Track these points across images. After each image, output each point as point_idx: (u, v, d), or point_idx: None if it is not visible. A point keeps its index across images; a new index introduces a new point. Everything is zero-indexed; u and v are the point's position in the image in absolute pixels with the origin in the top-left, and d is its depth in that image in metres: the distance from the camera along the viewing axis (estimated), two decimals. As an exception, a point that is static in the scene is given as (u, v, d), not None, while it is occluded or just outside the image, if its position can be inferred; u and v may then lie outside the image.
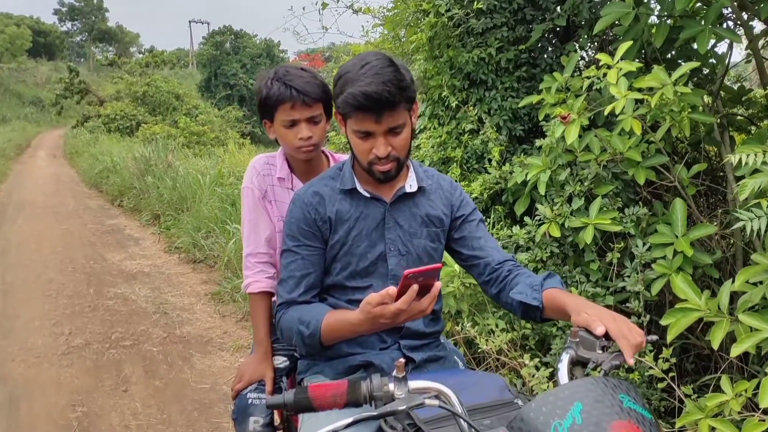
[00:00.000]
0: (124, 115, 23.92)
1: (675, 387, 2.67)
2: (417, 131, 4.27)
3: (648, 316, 2.98)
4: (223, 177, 9.57)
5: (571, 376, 1.28)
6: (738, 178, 3.38)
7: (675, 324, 2.55)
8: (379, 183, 1.74)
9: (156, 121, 23.00)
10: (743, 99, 4.10)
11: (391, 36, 4.73)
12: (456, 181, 3.62)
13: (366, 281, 1.76)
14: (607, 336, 1.33)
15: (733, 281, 2.52)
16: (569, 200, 3.26)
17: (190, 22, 56.69)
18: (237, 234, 6.46)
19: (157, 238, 8.88)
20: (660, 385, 2.72)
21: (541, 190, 3.28)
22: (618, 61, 3.02)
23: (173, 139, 17.13)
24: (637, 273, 3.04)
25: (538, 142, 3.41)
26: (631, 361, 1.27)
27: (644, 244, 3.03)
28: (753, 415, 2.29)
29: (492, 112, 3.89)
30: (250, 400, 2.02)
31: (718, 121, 3.41)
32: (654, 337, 1.39)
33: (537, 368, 2.94)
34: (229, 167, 10.54)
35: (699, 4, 3.48)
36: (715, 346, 2.44)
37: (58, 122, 35.43)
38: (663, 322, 2.69)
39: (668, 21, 3.40)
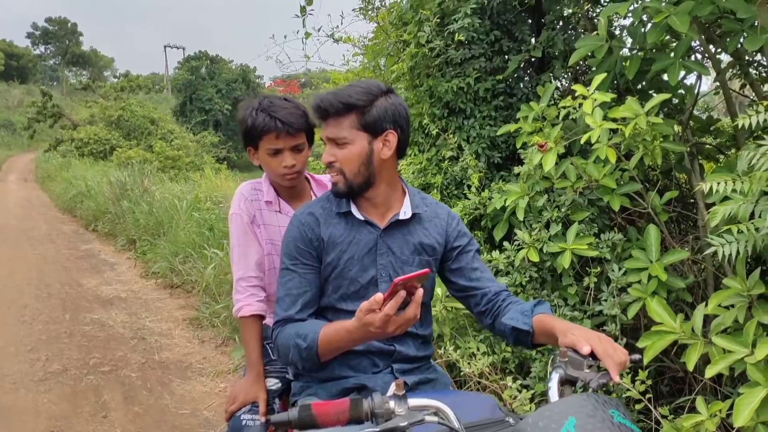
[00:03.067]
0: (97, 140, 23.77)
1: (651, 408, 2.75)
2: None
3: (624, 339, 3.06)
4: (200, 202, 9.57)
5: (561, 394, 1.34)
6: (708, 205, 3.51)
7: (651, 346, 2.63)
8: (373, 207, 1.82)
9: (130, 146, 22.88)
10: (711, 128, 4.26)
11: (372, 65, 4.83)
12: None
13: (357, 304, 1.78)
14: (593, 356, 1.40)
15: (707, 305, 2.62)
16: (547, 226, 3.35)
17: (165, 47, 56.77)
18: (216, 259, 6.46)
19: (132, 263, 8.82)
20: (638, 407, 2.79)
21: (520, 215, 3.36)
22: (593, 92, 3.13)
23: (149, 164, 17.05)
24: (614, 297, 3.13)
25: (516, 169, 3.50)
26: (617, 379, 1.35)
27: (620, 268, 3.12)
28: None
29: (471, 140, 3.99)
30: (244, 422, 2.04)
31: (688, 149, 3.54)
32: (637, 356, 1.46)
33: (519, 390, 3.00)
34: (206, 192, 10.54)
35: (668, 38, 3.63)
36: (690, 367, 2.52)
37: (30, 146, 35.07)
38: (639, 344, 2.77)
39: (640, 53, 3.53)
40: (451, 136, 3.78)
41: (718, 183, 2.58)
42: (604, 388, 1.35)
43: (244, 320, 2.11)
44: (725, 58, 3.87)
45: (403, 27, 4.25)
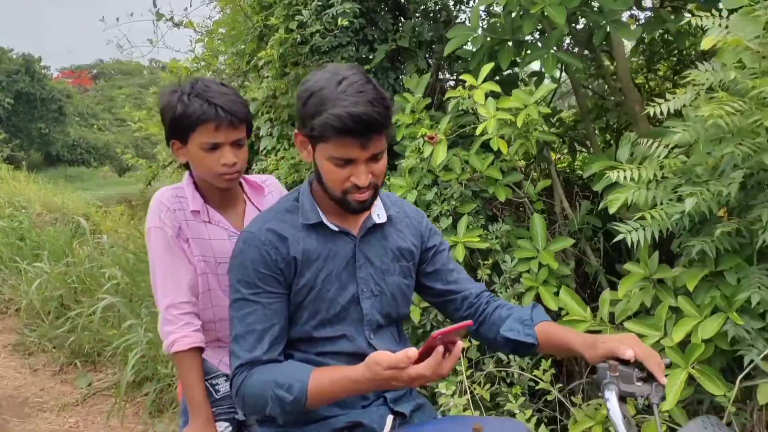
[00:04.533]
0: None
1: (563, 399, 2.77)
2: (264, 152, 4.05)
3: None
4: (0, 208, 8.40)
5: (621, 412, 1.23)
6: (585, 193, 3.66)
7: None
8: (351, 214, 1.56)
9: None
10: (555, 119, 4.46)
11: (232, 51, 4.44)
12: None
13: (338, 329, 1.56)
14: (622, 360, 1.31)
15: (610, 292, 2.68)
16: (437, 219, 3.26)
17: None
18: (40, 274, 5.64)
19: None
20: (549, 398, 2.79)
21: (409, 210, 3.25)
22: (481, 83, 3.09)
23: None
24: (507, 288, 3.13)
25: (404, 163, 3.37)
26: (665, 381, 1.29)
27: (512, 259, 3.12)
28: (647, 418, 2.43)
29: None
30: None
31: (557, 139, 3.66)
32: (668, 360, 1.38)
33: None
34: (6, 197, 9.30)
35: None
36: None
37: None
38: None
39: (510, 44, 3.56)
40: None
41: (617, 172, 2.61)
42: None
43: (181, 355, 1.76)
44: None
45: (262, 11, 3.94)
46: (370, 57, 3.95)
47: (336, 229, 1.57)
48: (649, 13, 4.46)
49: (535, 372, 2.80)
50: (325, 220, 1.56)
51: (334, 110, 1.35)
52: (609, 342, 1.38)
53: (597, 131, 4.59)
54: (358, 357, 1.56)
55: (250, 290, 1.49)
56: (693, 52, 4.66)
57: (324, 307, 1.55)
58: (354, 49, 3.87)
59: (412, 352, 1.21)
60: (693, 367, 2.30)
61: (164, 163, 5.50)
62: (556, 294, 2.99)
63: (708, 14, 2.24)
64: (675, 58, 4.99)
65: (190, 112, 1.70)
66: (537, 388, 2.83)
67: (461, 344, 1.25)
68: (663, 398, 1.27)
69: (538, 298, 2.97)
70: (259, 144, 4.23)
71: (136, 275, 5.05)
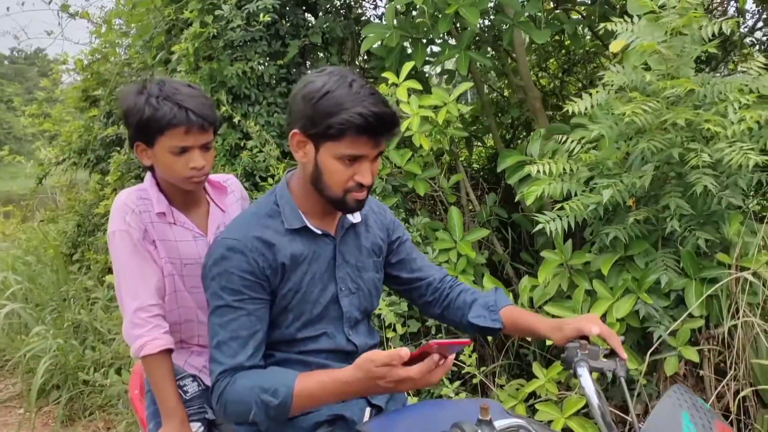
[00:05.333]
0: None
1: (488, 383, 2.92)
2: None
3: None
4: None
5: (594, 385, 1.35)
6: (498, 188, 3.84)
7: None
8: (345, 213, 1.58)
9: None
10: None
11: (139, 45, 4.27)
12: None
13: (319, 328, 1.57)
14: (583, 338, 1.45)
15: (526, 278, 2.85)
16: (359, 214, 3.33)
17: None
18: None
19: None
20: (475, 381, 2.94)
21: (331, 205, 3.30)
22: (403, 80, 3.18)
23: None
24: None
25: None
26: (625, 356, 1.42)
27: (433, 250, 3.24)
28: (568, 394, 2.62)
29: (260, 128, 3.78)
30: None
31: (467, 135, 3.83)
32: (623, 338, 1.51)
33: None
34: None
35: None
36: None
37: None
38: (475, 321, 2.91)
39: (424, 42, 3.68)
40: (252, 123, 3.52)
41: (536, 166, 2.77)
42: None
43: (151, 359, 1.70)
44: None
45: (172, 3, 3.84)
46: (283, 52, 3.95)
47: (319, 232, 1.57)
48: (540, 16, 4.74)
49: (461, 357, 2.94)
50: (308, 224, 1.56)
51: (357, 109, 1.37)
52: (574, 323, 1.51)
53: (497, 127, 4.82)
54: (337, 353, 1.61)
55: (234, 297, 1.47)
56: (580, 52, 5.00)
57: (308, 309, 1.56)
58: (267, 44, 3.86)
59: (404, 351, 1.21)
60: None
61: (57, 161, 5.22)
62: (475, 282, 3.14)
63: (619, 20, 2.45)
64: (564, 57, 5.32)
65: (159, 116, 1.64)
66: (462, 372, 2.96)
67: (453, 358, 1.27)
68: (627, 371, 1.41)
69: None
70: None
71: (37, 279, 4.77)
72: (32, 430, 3.56)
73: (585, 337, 1.49)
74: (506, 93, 5.28)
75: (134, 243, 1.73)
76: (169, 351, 1.74)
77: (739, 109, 2.24)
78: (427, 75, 4.48)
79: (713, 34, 2.30)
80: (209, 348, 1.48)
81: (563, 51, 5.23)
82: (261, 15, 3.37)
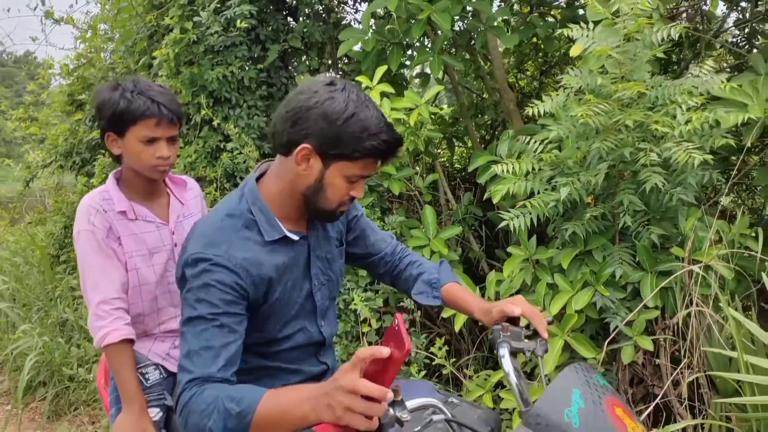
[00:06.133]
0: None
1: (456, 372, 3.04)
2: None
3: (419, 312, 3.31)
4: None
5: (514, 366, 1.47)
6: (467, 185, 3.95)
7: (458, 317, 2.92)
8: (327, 222, 1.67)
9: None
10: (436, 116, 4.77)
11: (122, 50, 4.37)
12: (215, 203, 3.57)
13: (295, 325, 1.64)
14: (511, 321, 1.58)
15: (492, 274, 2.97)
16: (336, 213, 3.44)
17: None
18: None
19: None
20: (445, 372, 3.06)
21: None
22: (376, 84, 3.30)
23: None
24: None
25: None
26: (546, 335, 1.52)
27: (408, 247, 3.36)
28: (532, 382, 2.74)
29: (241, 131, 3.89)
30: None
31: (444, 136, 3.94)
32: (550, 318, 1.64)
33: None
34: None
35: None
36: (458, 327, 2.90)
37: None
38: (445, 315, 3.04)
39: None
40: (231, 126, 3.63)
41: (501, 166, 2.90)
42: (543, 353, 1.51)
43: (113, 348, 1.81)
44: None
45: (153, 9, 3.95)
46: (263, 56, 4.06)
47: (296, 238, 1.59)
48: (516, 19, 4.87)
49: (432, 349, 3.05)
50: (286, 233, 1.56)
51: (382, 136, 1.43)
52: (499, 305, 1.59)
53: (475, 128, 4.94)
54: (309, 346, 1.71)
55: (210, 310, 1.42)
56: (557, 54, 5.12)
57: (287, 311, 1.61)
58: (247, 48, 3.97)
59: (385, 349, 1.13)
60: (568, 335, 2.64)
61: (44, 163, 5.31)
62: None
63: (576, 26, 2.57)
64: (542, 60, 5.45)
65: (133, 108, 1.79)
66: (433, 364, 3.08)
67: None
68: (546, 350, 1.51)
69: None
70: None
71: (24, 280, 4.86)
72: (19, 425, 3.66)
73: (517, 319, 1.59)
74: (485, 95, 5.40)
75: (98, 242, 1.86)
76: (130, 341, 1.85)
77: (687, 111, 2.37)
78: (407, 78, 4.59)
79: (662, 39, 2.42)
80: (179, 358, 1.44)
81: (540, 53, 5.35)
82: (238, 21, 3.47)
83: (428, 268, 1.88)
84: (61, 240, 5.31)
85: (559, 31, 2.62)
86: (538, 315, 1.55)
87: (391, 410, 1.14)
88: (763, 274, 2.48)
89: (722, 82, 2.47)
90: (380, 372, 1.16)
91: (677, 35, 2.39)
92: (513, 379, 1.45)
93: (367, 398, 1.09)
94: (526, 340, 1.53)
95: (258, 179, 1.63)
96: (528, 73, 5.72)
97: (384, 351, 1.11)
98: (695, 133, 2.47)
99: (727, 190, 4.46)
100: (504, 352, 1.49)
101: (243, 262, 1.47)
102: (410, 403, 1.27)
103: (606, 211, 2.62)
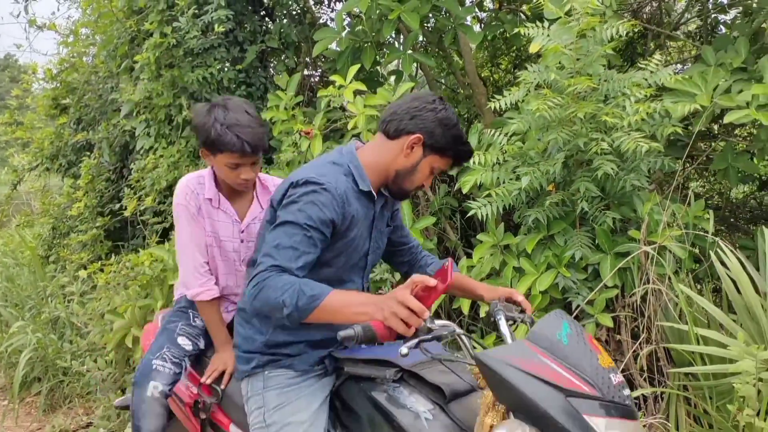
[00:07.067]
0: None
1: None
2: (141, 150, 4.19)
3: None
4: None
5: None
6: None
7: (463, 302, 3.09)
8: (398, 199, 1.99)
9: None
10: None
11: (104, 55, 4.49)
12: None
13: (352, 275, 1.93)
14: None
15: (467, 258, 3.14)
16: (315, 207, 3.59)
17: None
18: None
19: None
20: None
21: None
22: (350, 82, 3.45)
23: None
24: (381, 263, 3.53)
25: (281, 156, 3.67)
26: (531, 311, 1.97)
27: (384, 238, 3.52)
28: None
29: (220, 130, 4.03)
30: (154, 366, 2.18)
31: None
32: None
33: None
34: None
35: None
36: (466, 311, 3.04)
37: None
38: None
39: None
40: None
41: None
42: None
43: (205, 304, 2.24)
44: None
45: (133, 15, 4.07)
46: (242, 57, 4.20)
47: (375, 196, 1.91)
48: (488, 14, 5.04)
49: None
50: (371, 189, 1.87)
51: (467, 147, 1.90)
52: (506, 290, 2.02)
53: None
54: None
55: (306, 221, 1.71)
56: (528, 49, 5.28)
57: (353, 257, 1.91)
58: (226, 50, 4.11)
59: (431, 280, 1.52)
60: (534, 314, 2.81)
61: (30, 166, 5.43)
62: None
63: (532, 24, 2.74)
64: (514, 54, 5.61)
65: (222, 142, 2.06)
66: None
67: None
68: (532, 322, 1.88)
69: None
70: (134, 144, 4.35)
71: (15, 280, 4.99)
72: (16, 419, 3.80)
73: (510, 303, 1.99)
74: (460, 90, 5.55)
75: (190, 215, 2.22)
76: (218, 299, 2.26)
77: (635, 103, 2.54)
78: (384, 75, 4.73)
79: (611, 36, 2.59)
80: (265, 247, 1.74)
81: (513, 48, 5.51)
82: (216, 25, 3.61)
83: (438, 262, 2.20)
84: (50, 241, 5.43)
85: (516, 30, 2.77)
86: (527, 302, 1.99)
87: (425, 323, 1.51)
88: (711, 253, 2.66)
89: (669, 74, 2.65)
90: (425, 297, 1.53)
91: (628, 31, 2.56)
92: (508, 335, 1.80)
93: (411, 311, 1.47)
94: (516, 313, 1.92)
95: None
96: (502, 67, 5.88)
97: (431, 281, 1.51)
98: (645, 122, 2.65)
99: (697, 176, 4.66)
100: (501, 317, 1.85)
101: (343, 194, 1.78)
102: (437, 323, 1.58)
103: (565, 198, 2.80)
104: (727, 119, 2.74)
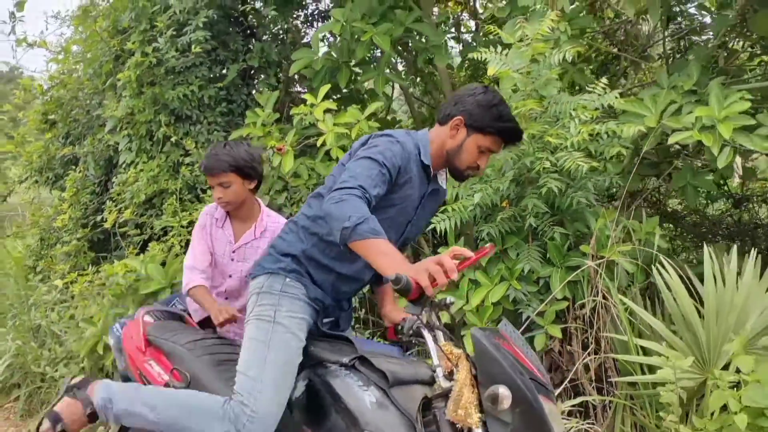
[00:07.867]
0: None
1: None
2: (123, 165, 4.33)
3: (363, 311, 3.61)
4: None
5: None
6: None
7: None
8: (456, 180, 2.20)
9: None
10: (396, 127, 5.09)
11: (90, 73, 4.66)
12: (176, 214, 3.84)
13: (390, 234, 1.97)
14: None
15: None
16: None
17: None
18: None
19: None
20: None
21: (262, 213, 3.69)
22: (321, 101, 3.59)
23: None
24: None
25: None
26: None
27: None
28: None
29: (199, 146, 4.17)
30: (114, 329, 2.55)
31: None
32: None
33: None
34: None
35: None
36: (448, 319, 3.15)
37: None
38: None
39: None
40: (190, 142, 3.92)
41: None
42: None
43: (195, 289, 2.53)
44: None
45: (118, 34, 4.24)
46: (223, 75, 4.35)
47: (433, 174, 2.15)
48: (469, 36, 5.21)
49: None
50: (430, 166, 2.10)
51: (510, 124, 2.06)
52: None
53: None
54: None
55: (382, 159, 1.93)
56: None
57: (399, 219, 2.10)
58: (207, 68, 4.27)
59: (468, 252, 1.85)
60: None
61: (20, 179, 5.58)
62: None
63: (486, 49, 2.89)
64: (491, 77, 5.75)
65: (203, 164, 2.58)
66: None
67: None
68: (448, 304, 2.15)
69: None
70: (118, 158, 4.49)
71: (0, 289, 5.12)
72: (-5, 423, 3.91)
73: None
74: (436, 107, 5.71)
75: (200, 230, 2.64)
76: (204, 287, 2.56)
77: (581, 124, 2.69)
78: (363, 94, 4.88)
79: (559, 61, 2.74)
80: (348, 170, 1.94)
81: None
82: (193, 46, 3.76)
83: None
84: (38, 252, 5.55)
85: (470, 55, 2.92)
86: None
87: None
88: (653, 268, 2.79)
89: (615, 97, 2.79)
90: (459, 263, 1.76)
91: (570, 58, 2.71)
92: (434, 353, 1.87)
93: (442, 269, 1.63)
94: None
95: None
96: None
97: (468, 252, 1.84)
98: (594, 142, 2.79)
99: (675, 194, 4.76)
100: (425, 334, 1.87)
101: (410, 153, 2.04)
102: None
103: (516, 214, 2.93)
104: (671, 140, 2.88)
